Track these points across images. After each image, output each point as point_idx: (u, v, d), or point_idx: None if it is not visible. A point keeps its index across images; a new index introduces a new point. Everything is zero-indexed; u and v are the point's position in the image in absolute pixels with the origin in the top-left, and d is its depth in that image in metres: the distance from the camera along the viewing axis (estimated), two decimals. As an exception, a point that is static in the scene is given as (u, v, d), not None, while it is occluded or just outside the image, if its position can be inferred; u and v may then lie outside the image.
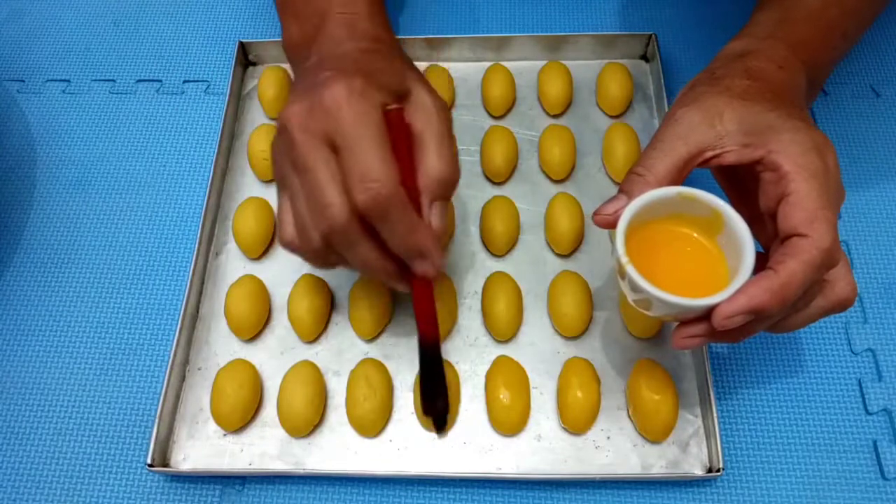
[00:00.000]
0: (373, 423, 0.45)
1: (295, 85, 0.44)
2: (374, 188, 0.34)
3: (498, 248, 0.52)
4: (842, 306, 0.38)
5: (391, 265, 0.38)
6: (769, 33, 0.42)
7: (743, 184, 0.39)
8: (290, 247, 0.39)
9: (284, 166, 0.37)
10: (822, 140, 0.36)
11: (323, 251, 0.37)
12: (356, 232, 0.36)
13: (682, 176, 0.38)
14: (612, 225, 0.37)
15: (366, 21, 0.43)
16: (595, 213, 0.38)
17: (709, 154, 0.37)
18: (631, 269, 0.36)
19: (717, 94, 0.38)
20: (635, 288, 0.36)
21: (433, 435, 0.46)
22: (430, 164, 0.37)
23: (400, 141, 0.37)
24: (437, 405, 0.40)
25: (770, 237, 0.36)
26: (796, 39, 0.41)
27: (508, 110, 0.59)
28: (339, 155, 0.35)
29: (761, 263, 0.35)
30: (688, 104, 0.38)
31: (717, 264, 0.38)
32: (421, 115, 0.38)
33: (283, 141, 0.37)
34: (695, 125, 0.37)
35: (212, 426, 0.47)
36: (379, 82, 0.37)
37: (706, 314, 0.35)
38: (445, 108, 0.39)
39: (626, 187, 0.38)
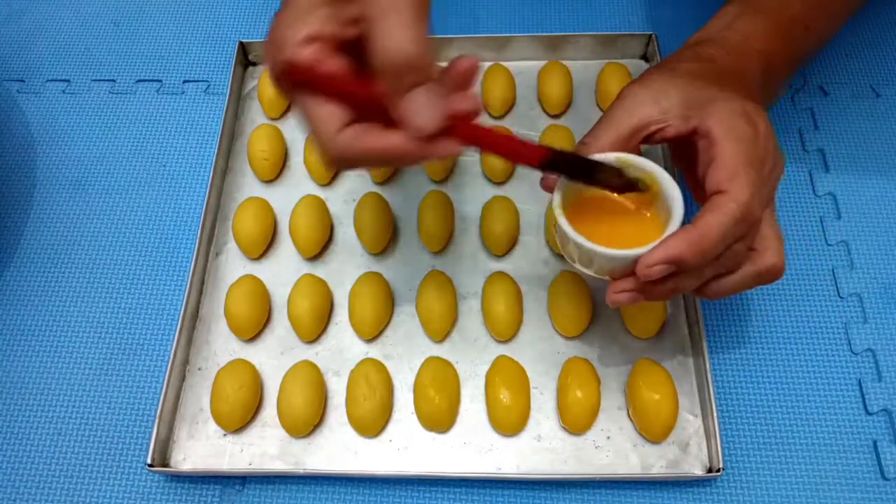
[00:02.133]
0: (373, 422, 0.45)
1: None
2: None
3: (498, 248, 0.52)
4: (770, 275, 0.39)
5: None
6: (728, 24, 0.43)
7: (692, 159, 0.40)
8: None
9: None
10: (753, 108, 0.38)
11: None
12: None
13: (626, 148, 0.39)
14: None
15: None
16: (542, 178, 0.40)
17: (653, 128, 0.39)
18: (563, 221, 0.37)
19: (664, 76, 0.40)
20: (565, 241, 0.38)
21: (433, 435, 0.46)
22: (378, 50, 0.30)
23: (342, 64, 0.33)
24: (610, 180, 0.37)
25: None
26: (753, 29, 0.43)
27: (508, 110, 0.59)
28: None
29: None
30: (638, 83, 0.40)
31: (654, 228, 0.39)
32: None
33: None
34: (640, 102, 0.39)
35: (212, 426, 0.47)
36: (305, 5, 0.33)
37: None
38: None
39: None
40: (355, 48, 0.33)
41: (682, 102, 0.38)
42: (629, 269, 0.37)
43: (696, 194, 0.41)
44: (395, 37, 0.30)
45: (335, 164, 0.34)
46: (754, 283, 0.39)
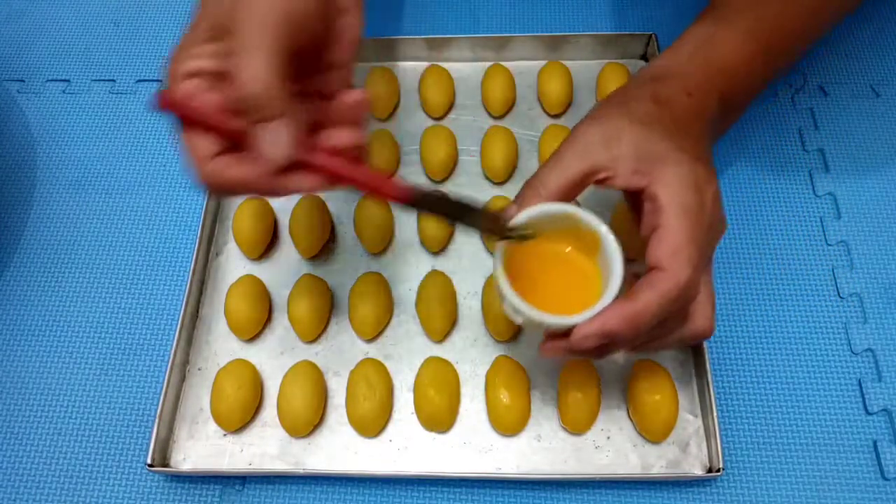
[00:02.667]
0: (373, 422, 0.45)
1: None
2: (193, 176, 0.35)
3: (498, 248, 0.52)
4: (697, 337, 0.39)
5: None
6: (689, 56, 0.42)
7: (641, 211, 0.40)
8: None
9: None
10: (704, 176, 0.37)
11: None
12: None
13: (576, 192, 0.39)
14: None
15: None
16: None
17: (602, 175, 0.38)
18: (503, 282, 0.37)
19: (618, 117, 0.39)
20: (503, 298, 0.37)
21: (433, 435, 0.46)
22: (233, 87, 0.32)
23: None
24: (484, 225, 0.38)
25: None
26: (715, 64, 0.42)
27: (508, 110, 0.59)
28: None
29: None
30: (590, 123, 0.39)
31: (592, 282, 0.39)
32: (233, 35, 0.33)
33: None
34: (592, 145, 0.38)
35: (212, 426, 0.47)
36: (192, 39, 0.34)
37: (570, 330, 0.36)
38: (265, 7, 0.33)
39: (519, 198, 0.39)
40: None
41: (634, 154, 0.37)
42: (564, 331, 0.37)
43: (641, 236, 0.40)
44: (248, 72, 0.32)
45: (206, 190, 0.35)
46: (681, 344, 0.40)
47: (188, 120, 0.34)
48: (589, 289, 0.39)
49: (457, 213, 0.37)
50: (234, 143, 0.34)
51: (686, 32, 0.44)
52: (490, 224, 0.37)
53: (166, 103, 0.33)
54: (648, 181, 0.37)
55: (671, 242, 0.35)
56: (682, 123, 0.39)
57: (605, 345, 0.36)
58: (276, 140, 0.32)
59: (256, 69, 0.32)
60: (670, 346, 0.40)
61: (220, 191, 0.35)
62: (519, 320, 0.38)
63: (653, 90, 0.40)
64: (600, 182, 0.38)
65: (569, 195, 0.39)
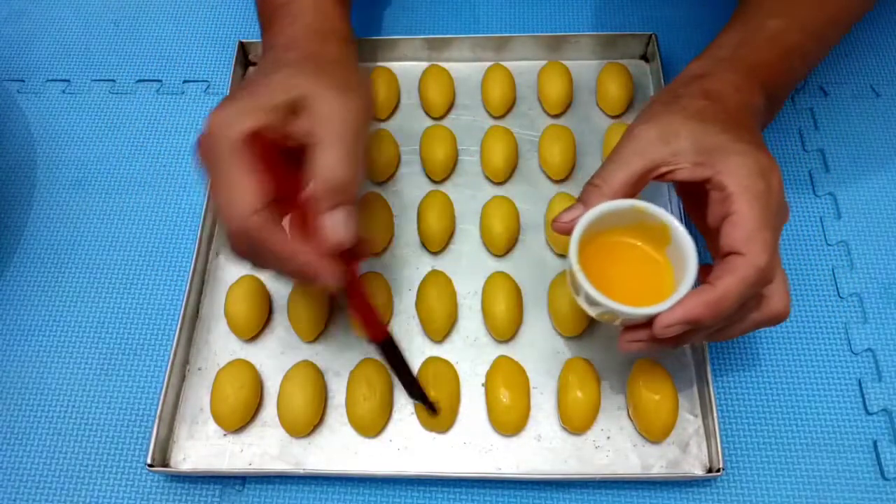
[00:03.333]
0: (373, 422, 0.45)
1: None
2: (229, 225, 0.36)
3: (498, 248, 0.52)
4: (775, 320, 0.40)
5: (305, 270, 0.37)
6: (730, 55, 0.43)
7: (697, 198, 0.40)
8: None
9: None
10: (767, 163, 0.38)
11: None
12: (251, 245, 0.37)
13: (637, 188, 0.40)
14: (569, 232, 0.39)
15: (302, 18, 0.43)
16: (554, 220, 0.40)
17: (663, 169, 0.39)
18: (581, 277, 0.38)
19: (673, 113, 0.39)
20: (581, 293, 0.38)
21: (433, 435, 0.46)
22: (320, 168, 0.36)
23: (272, 161, 0.36)
24: (414, 393, 0.42)
25: (717, 250, 0.38)
26: (755, 62, 0.42)
27: (508, 110, 0.59)
28: None
29: (706, 274, 0.37)
30: (646, 121, 0.40)
31: (664, 274, 0.40)
32: (316, 122, 0.37)
33: None
34: (651, 142, 0.39)
35: (212, 426, 0.47)
36: (255, 104, 0.36)
37: (649, 321, 0.37)
38: (351, 111, 0.37)
39: (583, 197, 0.40)
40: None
41: (693, 147, 0.38)
42: (641, 322, 0.38)
43: (701, 229, 0.41)
44: (333, 163, 0.36)
45: (232, 239, 0.37)
46: (759, 327, 0.40)
47: (251, 153, 0.35)
48: (661, 280, 0.39)
49: (401, 374, 0.42)
50: (278, 203, 0.36)
51: (722, 33, 0.45)
52: (417, 395, 0.43)
53: (251, 139, 0.35)
54: (713, 172, 0.37)
55: (746, 228, 0.36)
56: (735, 116, 0.40)
57: (687, 333, 0.37)
58: (344, 223, 0.36)
59: (342, 161, 0.36)
60: (747, 330, 0.40)
61: (247, 246, 0.36)
62: (594, 313, 0.39)
63: (702, 87, 0.41)
64: (661, 177, 0.39)
65: (630, 192, 0.39)
